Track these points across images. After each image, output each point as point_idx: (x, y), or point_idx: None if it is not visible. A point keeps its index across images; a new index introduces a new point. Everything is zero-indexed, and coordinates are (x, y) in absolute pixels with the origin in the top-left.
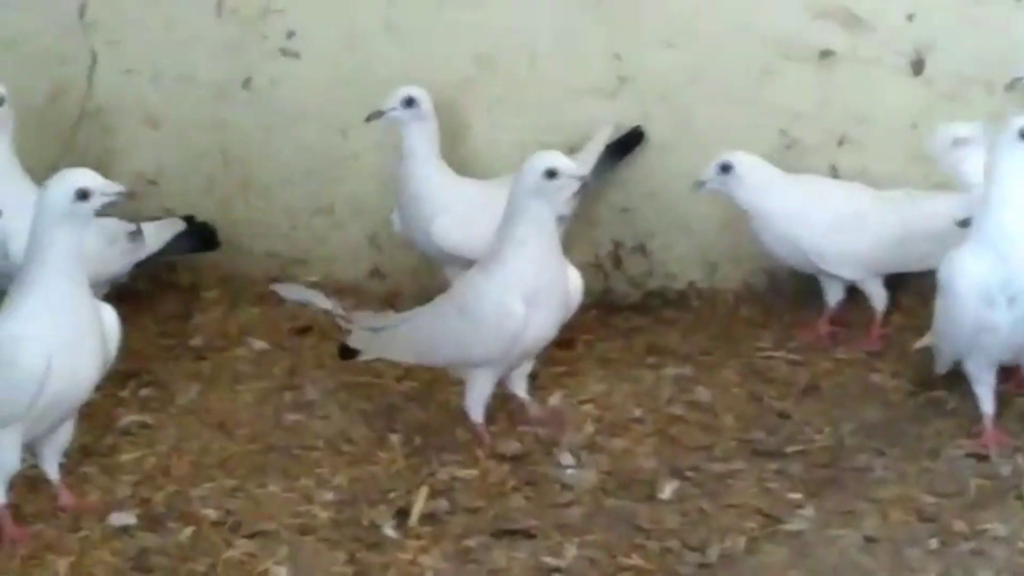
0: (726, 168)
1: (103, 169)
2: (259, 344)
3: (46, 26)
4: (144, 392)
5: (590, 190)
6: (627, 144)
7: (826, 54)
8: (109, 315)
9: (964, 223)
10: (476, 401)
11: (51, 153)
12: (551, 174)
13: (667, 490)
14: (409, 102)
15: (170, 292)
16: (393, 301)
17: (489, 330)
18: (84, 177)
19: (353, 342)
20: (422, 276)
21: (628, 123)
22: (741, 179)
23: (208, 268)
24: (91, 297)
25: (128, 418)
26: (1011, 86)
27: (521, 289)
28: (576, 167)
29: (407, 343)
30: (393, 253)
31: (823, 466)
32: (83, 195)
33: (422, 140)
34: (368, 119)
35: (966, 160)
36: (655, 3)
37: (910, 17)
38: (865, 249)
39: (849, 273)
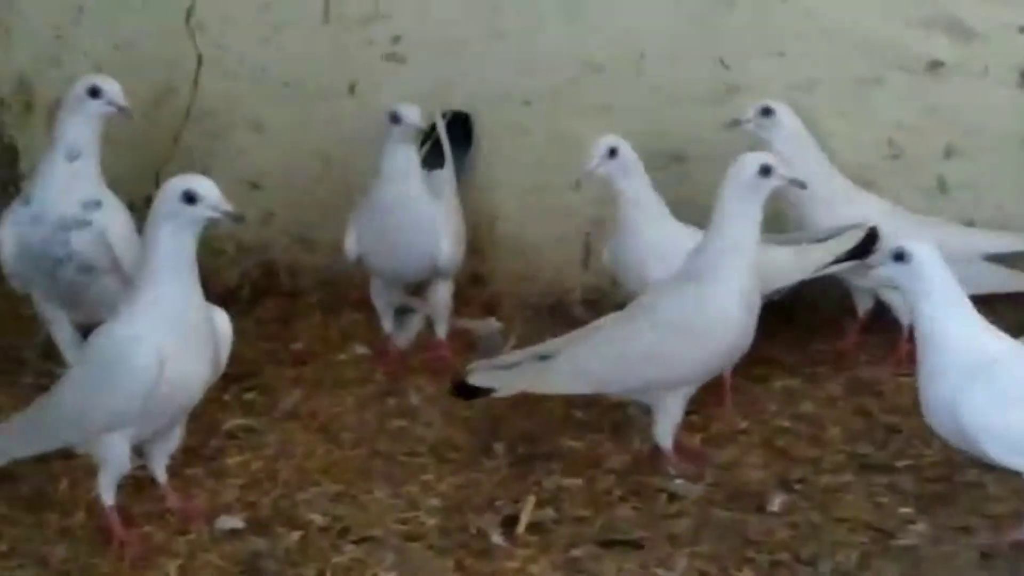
0: (767, 112)
1: (206, 171)
2: (361, 349)
3: (154, 29)
4: (247, 396)
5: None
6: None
7: (935, 65)
8: (222, 320)
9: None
10: (670, 427)
11: (155, 155)
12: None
13: (776, 502)
14: (612, 152)
15: (271, 297)
16: (493, 308)
17: (709, 342)
18: (195, 181)
19: (480, 381)
20: (523, 283)
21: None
22: (781, 127)
23: (309, 272)
24: (203, 301)
25: (233, 422)
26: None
27: (740, 296)
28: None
29: (577, 371)
30: (496, 257)
31: (934, 481)
32: (189, 198)
33: (639, 186)
34: (576, 185)
35: None
36: (763, 12)
37: (1022, 29)
38: None
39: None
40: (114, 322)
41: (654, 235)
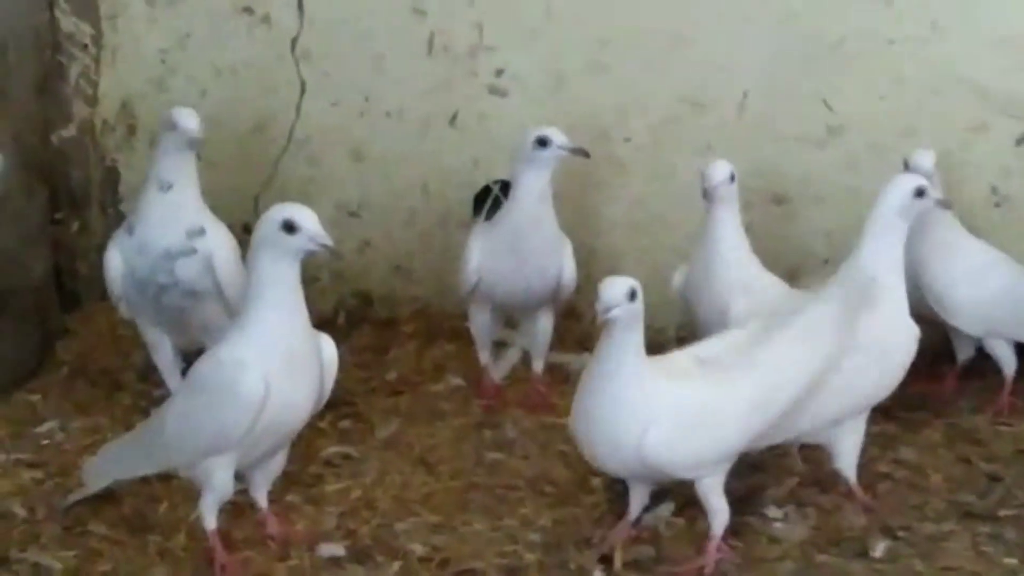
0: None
1: (305, 199)
2: (455, 380)
3: (258, 56)
4: (344, 424)
5: None
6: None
7: None
8: (328, 347)
9: None
10: (856, 456)
11: (255, 181)
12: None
13: (879, 548)
14: (732, 177)
15: (367, 325)
16: (587, 343)
17: (898, 358)
18: (295, 211)
19: None
20: None
21: (836, 173)
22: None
23: (405, 302)
24: (309, 327)
25: (330, 449)
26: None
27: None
28: None
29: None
30: (591, 292)
31: None
32: (289, 227)
33: (737, 218)
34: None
35: None
36: (867, 52)
37: None
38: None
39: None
40: (220, 347)
41: (742, 269)
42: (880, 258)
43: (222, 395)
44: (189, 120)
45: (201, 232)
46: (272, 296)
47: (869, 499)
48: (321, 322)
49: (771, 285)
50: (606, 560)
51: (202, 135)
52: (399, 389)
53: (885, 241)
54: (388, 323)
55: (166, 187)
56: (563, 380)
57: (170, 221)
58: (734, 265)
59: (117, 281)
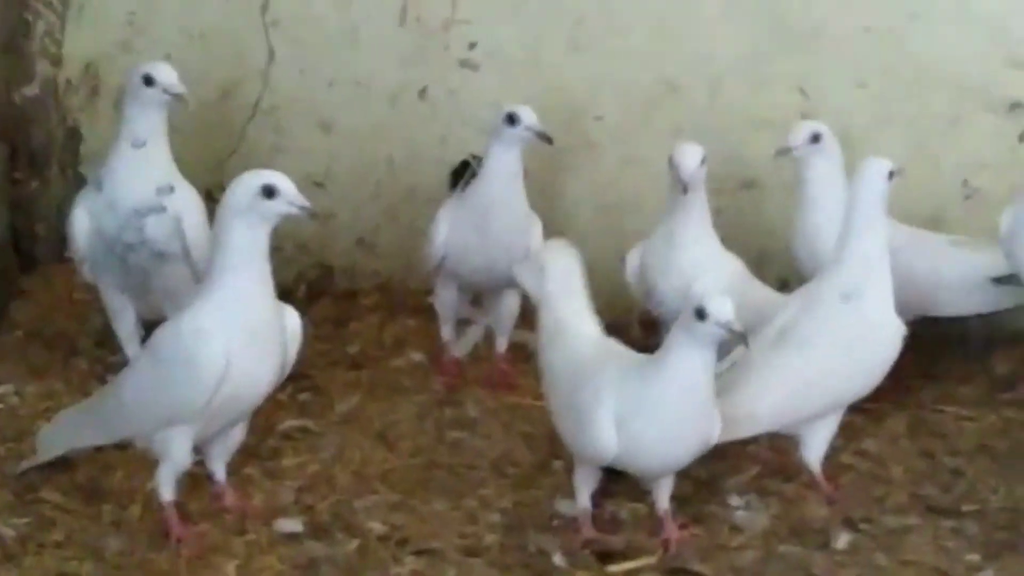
0: (817, 137)
1: (271, 168)
2: (417, 356)
3: (228, 21)
4: (303, 397)
5: None
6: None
7: (1016, 106)
8: (292, 319)
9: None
10: (824, 451)
11: (220, 148)
12: None
13: (841, 540)
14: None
15: (327, 297)
16: None
17: (882, 353)
18: (272, 176)
19: None
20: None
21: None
22: (828, 154)
23: (367, 276)
24: (274, 298)
25: (289, 422)
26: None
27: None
28: None
29: (744, 417)
30: None
31: (1001, 528)
32: (268, 192)
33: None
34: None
35: None
36: (847, 42)
37: None
38: None
39: None
40: (182, 316)
41: (706, 247)
42: (867, 243)
43: (182, 365)
44: (168, 75)
45: (171, 190)
46: (241, 264)
47: (832, 490)
48: (282, 293)
49: (731, 263)
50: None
51: (183, 90)
52: (359, 363)
53: (869, 225)
54: (349, 296)
55: (139, 144)
56: (525, 359)
57: (140, 178)
58: (698, 243)
59: (83, 240)
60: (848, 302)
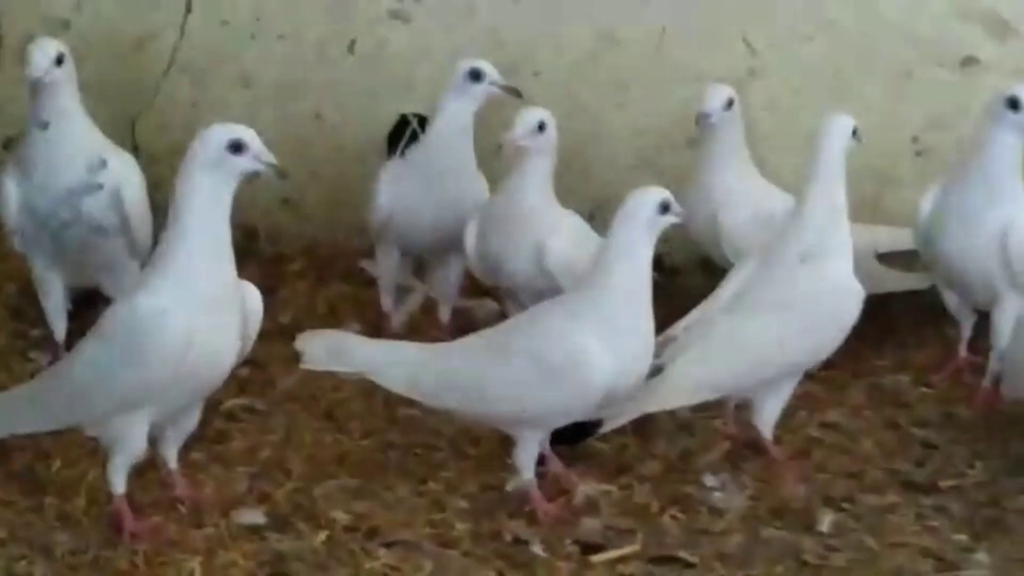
0: (731, 103)
1: (187, 124)
2: (354, 326)
3: None
4: (242, 371)
5: None
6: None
7: (969, 61)
8: (252, 295)
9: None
10: (776, 416)
11: (133, 104)
12: None
13: (825, 522)
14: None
15: (252, 262)
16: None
17: (840, 318)
18: (240, 131)
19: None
20: None
21: (755, 115)
22: (736, 120)
23: (291, 238)
24: (234, 271)
25: (232, 401)
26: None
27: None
28: None
29: (696, 383)
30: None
31: (984, 505)
32: (236, 147)
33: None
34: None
35: None
36: None
37: None
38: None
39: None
40: (139, 291)
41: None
42: (825, 210)
43: (140, 345)
44: (35, 55)
45: (103, 164)
46: (202, 228)
47: (789, 459)
48: None
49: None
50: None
51: (48, 76)
52: (294, 334)
53: (830, 188)
54: (275, 259)
55: (42, 125)
56: (467, 328)
57: (63, 158)
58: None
59: (12, 213)
60: (807, 263)
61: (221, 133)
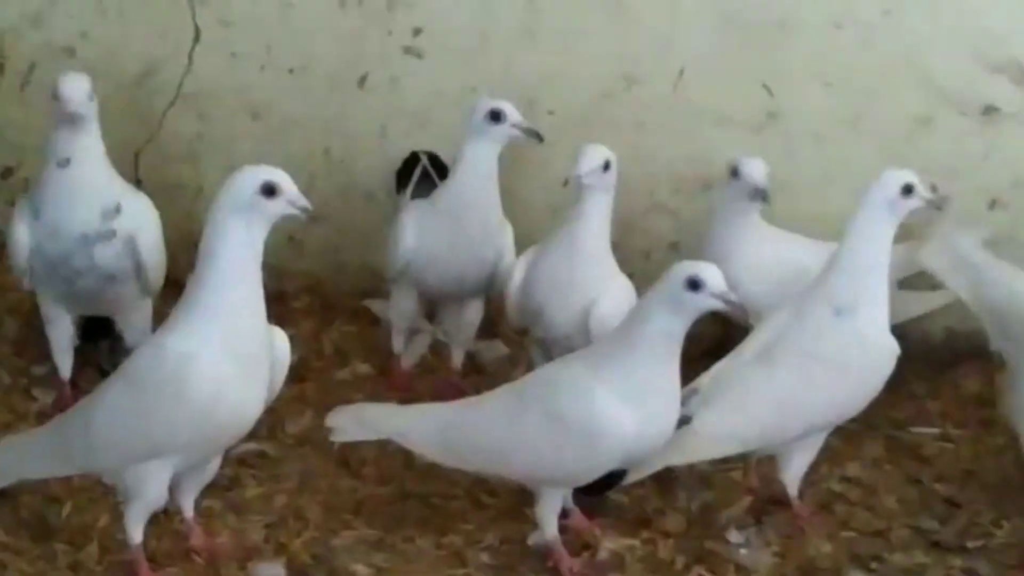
0: (608, 165)
1: (192, 158)
2: (363, 368)
3: None
4: None
5: None
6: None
7: (990, 110)
8: (281, 340)
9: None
10: (803, 473)
11: (136, 136)
12: None
13: None
14: (607, 166)
15: None
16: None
17: (872, 375)
18: (275, 174)
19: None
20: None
21: (773, 161)
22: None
23: (296, 275)
24: (265, 316)
25: (243, 446)
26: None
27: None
28: None
29: (722, 435)
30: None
31: (1012, 567)
32: (269, 191)
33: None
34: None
35: None
36: (816, 38)
37: None
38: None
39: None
40: (167, 334)
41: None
42: (868, 259)
43: (167, 392)
44: (70, 88)
45: (117, 211)
46: (233, 272)
47: (809, 514)
48: None
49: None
50: None
51: (83, 109)
52: (302, 375)
53: (872, 241)
54: (277, 297)
55: (63, 163)
56: (476, 371)
57: (79, 201)
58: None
59: (23, 257)
60: (840, 317)
61: (253, 176)
